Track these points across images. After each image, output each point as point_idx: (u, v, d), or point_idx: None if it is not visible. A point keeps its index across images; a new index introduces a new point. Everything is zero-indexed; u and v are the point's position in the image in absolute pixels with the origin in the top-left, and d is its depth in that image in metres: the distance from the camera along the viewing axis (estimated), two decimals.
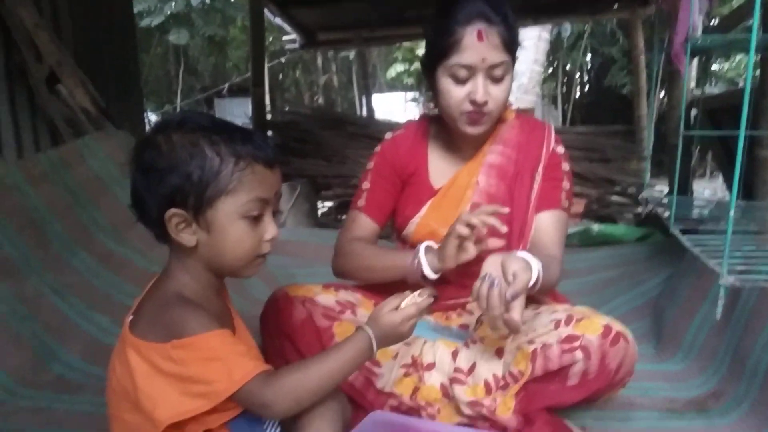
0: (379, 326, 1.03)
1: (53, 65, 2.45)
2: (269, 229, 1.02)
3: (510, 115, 1.59)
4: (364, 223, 1.58)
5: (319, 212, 4.49)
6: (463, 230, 1.28)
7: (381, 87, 15.05)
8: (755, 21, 1.24)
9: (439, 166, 1.58)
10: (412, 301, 1.06)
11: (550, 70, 13.63)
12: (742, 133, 1.11)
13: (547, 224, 1.50)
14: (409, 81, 13.85)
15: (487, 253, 1.30)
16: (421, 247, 1.40)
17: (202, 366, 0.92)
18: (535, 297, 1.62)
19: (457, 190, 1.54)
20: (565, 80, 14.08)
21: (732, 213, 1.00)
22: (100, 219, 2.32)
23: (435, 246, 1.40)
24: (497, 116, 1.45)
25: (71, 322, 1.98)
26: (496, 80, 1.38)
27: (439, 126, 1.57)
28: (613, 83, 11.90)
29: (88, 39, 2.98)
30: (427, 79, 1.48)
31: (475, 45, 1.34)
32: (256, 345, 1.14)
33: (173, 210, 0.95)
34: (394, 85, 15.29)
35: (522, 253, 1.26)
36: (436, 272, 1.38)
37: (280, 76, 15.69)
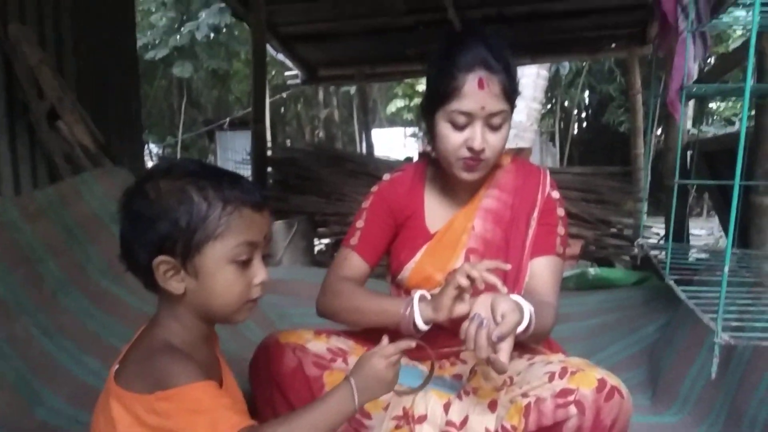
0: (361, 373, 1.01)
1: (54, 101, 2.47)
2: (259, 273, 1.01)
3: (506, 159, 1.60)
4: (355, 263, 1.56)
5: (316, 250, 4.48)
6: (464, 281, 1.26)
7: (381, 122, 15.19)
8: (749, 71, 1.25)
9: (436, 210, 1.57)
10: (387, 343, 1.04)
11: (548, 107, 13.78)
12: (737, 183, 1.10)
13: (541, 270, 1.49)
14: (409, 116, 13.99)
15: None
16: (416, 296, 1.38)
17: (186, 419, 0.90)
18: (528, 346, 1.61)
19: (453, 235, 1.53)
20: (563, 117, 14.22)
21: (726, 269, 0.99)
22: (95, 257, 2.31)
23: (428, 296, 1.39)
24: (493, 163, 1.46)
25: (60, 365, 1.94)
26: (495, 128, 1.39)
27: (437, 169, 1.57)
28: (611, 121, 12.03)
29: (91, 74, 3.01)
30: (425, 122, 1.49)
31: (476, 93, 1.35)
32: (242, 397, 1.12)
33: (161, 257, 0.95)
34: (394, 120, 15.45)
35: (513, 296, 1.26)
36: (427, 323, 1.36)
37: (282, 110, 15.85)
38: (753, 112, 1.99)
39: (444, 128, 1.41)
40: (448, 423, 1.35)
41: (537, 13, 4.88)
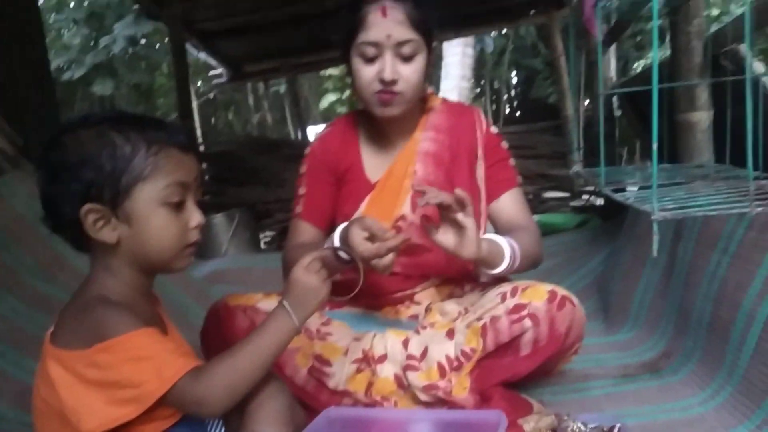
0: (292, 292, 0.98)
1: None
2: (194, 215, 0.98)
3: (436, 101, 1.60)
4: (303, 230, 1.54)
5: (262, 242, 4.40)
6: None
7: (315, 119, 15.07)
8: None
9: (373, 160, 1.56)
10: (310, 257, 1.02)
11: (478, 90, 14.00)
12: (655, 86, 1.13)
13: (510, 204, 1.53)
14: (342, 110, 13.94)
15: (432, 245, 1.28)
16: (338, 228, 1.33)
17: (129, 367, 0.86)
18: (481, 282, 1.62)
19: (395, 182, 1.52)
20: (494, 97, 14.47)
21: (655, 147, 1.01)
22: (26, 260, 2.19)
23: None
24: (411, 98, 1.43)
25: (1, 371, 1.84)
26: (406, 59, 1.37)
27: (368, 119, 1.55)
28: (539, 94, 12.31)
29: (1, 80, 2.86)
30: (346, 67, 1.48)
31: (380, 21, 1.34)
32: (191, 348, 1.08)
33: (89, 206, 0.90)
34: (328, 116, 15.35)
35: (488, 234, 1.33)
36: (347, 252, 1.27)
37: (213, 120, 15.54)
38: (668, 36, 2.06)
39: (356, 63, 1.40)
40: (409, 357, 1.35)
41: None
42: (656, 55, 1.25)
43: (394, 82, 1.36)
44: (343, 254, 1.26)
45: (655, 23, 1.26)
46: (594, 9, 1.43)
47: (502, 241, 1.33)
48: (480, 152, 1.54)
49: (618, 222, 2.46)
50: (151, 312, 1.02)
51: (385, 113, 1.42)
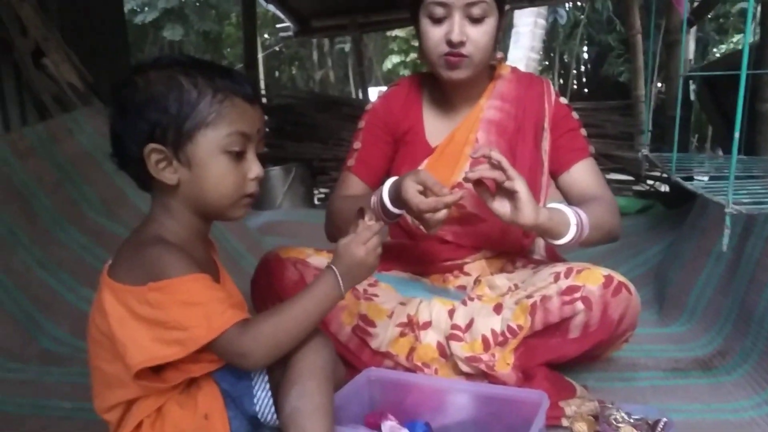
0: (342, 262, 0.98)
1: (39, 39, 2.40)
2: (253, 167, 0.98)
3: (505, 69, 1.54)
4: (352, 183, 1.52)
5: (316, 198, 4.44)
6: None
7: (377, 80, 14.98)
8: None
9: (435, 124, 1.53)
10: (362, 227, 1.00)
11: (547, 62, 13.59)
12: (744, 72, 1.05)
13: (583, 174, 1.48)
14: (405, 72, 13.81)
15: (487, 212, 1.25)
16: (387, 182, 1.31)
17: (180, 310, 0.87)
18: (533, 258, 1.58)
19: (455, 147, 1.48)
20: (562, 71, 14.03)
21: (737, 135, 0.95)
22: (90, 194, 2.28)
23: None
24: (480, 62, 1.38)
25: (60, 297, 1.93)
26: (475, 21, 1.32)
27: (433, 82, 1.52)
28: (611, 72, 11.85)
29: (76, 16, 2.93)
30: (414, 29, 1.44)
31: None
32: (242, 297, 1.09)
33: (152, 145, 0.91)
34: (391, 77, 15.23)
35: (552, 204, 1.28)
36: (397, 206, 1.27)
37: (276, 73, 15.65)
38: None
39: (424, 24, 1.36)
40: (454, 326, 1.33)
41: None
42: (748, 37, 1.17)
43: (461, 43, 1.32)
44: (392, 207, 1.24)
45: (750, 3, 1.18)
46: None
47: (567, 210, 1.27)
48: (547, 125, 1.49)
49: (683, 211, 2.36)
50: (206, 256, 1.04)
51: (452, 76, 1.38)
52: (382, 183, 1.34)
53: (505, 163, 1.17)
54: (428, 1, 1.32)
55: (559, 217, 1.25)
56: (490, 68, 1.50)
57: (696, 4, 2.92)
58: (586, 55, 14.15)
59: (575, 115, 1.52)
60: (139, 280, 0.90)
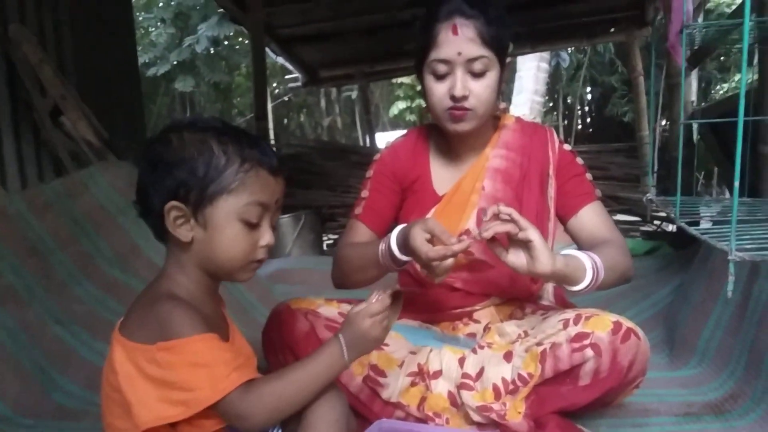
0: (350, 330, 1.00)
1: (57, 99, 2.49)
2: (265, 235, 1.02)
3: (509, 119, 1.59)
4: (359, 231, 1.55)
5: (325, 245, 4.47)
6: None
7: (384, 126, 15.18)
8: (746, 8, 1.24)
9: (442, 173, 1.57)
10: (373, 299, 1.02)
11: (551, 104, 13.75)
12: (741, 118, 1.09)
13: (591, 217, 1.48)
14: (412, 117, 13.97)
15: (495, 259, 1.27)
16: (395, 230, 1.33)
17: (187, 371, 0.90)
18: (542, 304, 1.59)
19: (462, 196, 1.52)
20: (566, 113, 14.18)
21: (737, 185, 0.97)
22: (104, 248, 2.32)
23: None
24: (483, 114, 1.42)
25: (74, 351, 1.95)
26: (477, 75, 1.37)
27: (439, 133, 1.56)
28: (614, 112, 11.97)
29: (92, 75, 3.03)
30: (420, 84, 1.49)
31: (450, 39, 1.35)
32: (253, 353, 1.11)
33: (173, 202, 0.95)
34: (397, 123, 15.43)
35: (567, 250, 1.27)
36: (404, 253, 1.28)
37: (285, 121, 15.89)
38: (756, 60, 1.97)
39: (428, 81, 1.41)
40: (464, 376, 1.34)
41: (535, 0, 4.88)
42: (744, 84, 1.21)
43: (464, 98, 1.37)
44: (399, 254, 1.26)
45: (745, 55, 1.22)
46: (679, 36, 1.39)
47: (581, 255, 1.27)
48: (552, 172, 1.52)
49: (690, 252, 2.37)
50: (216, 312, 1.06)
51: (457, 129, 1.42)
52: (390, 230, 1.37)
53: (516, 215, 1.18)
54: (431, 59, 1.38)
55: (575, 263, 1.24)
56: (494, 118, 1.55)
57: (696, 47, 2.98)
58: (589, 96, 14.32)
59: (580, 160, 1.55)
60: (149, 337, 0.92)
